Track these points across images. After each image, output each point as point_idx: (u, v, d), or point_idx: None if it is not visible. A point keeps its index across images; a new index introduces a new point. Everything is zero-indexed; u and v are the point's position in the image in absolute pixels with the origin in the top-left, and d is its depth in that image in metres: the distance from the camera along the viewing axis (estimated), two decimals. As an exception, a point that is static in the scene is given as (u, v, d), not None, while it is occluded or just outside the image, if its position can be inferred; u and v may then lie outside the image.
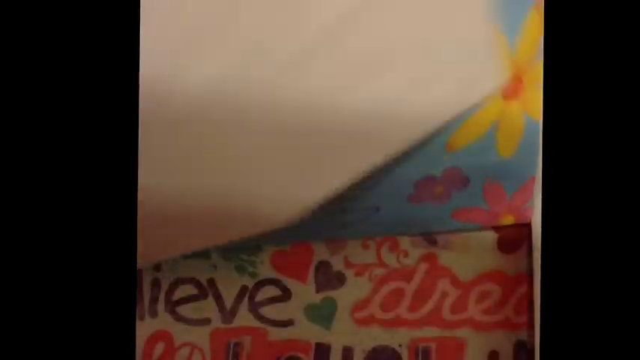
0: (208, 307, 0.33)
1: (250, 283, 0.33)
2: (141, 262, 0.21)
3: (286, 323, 0.33)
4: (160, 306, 0.33)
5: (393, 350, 0.33)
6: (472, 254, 0.33)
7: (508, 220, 0.32)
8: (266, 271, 0.33)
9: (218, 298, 0.33)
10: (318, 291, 0.33)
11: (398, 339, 0.33)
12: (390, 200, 0.31)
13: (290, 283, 0.33)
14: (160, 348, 0.33)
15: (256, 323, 0.33)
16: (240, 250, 0.33)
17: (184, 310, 0.33)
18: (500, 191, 0.31)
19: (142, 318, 0.33)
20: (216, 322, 0.33)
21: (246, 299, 0.33)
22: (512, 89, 0.29)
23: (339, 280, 0.33)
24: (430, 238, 0.33)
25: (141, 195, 0.20)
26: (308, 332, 0.33)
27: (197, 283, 0.33)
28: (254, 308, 0.33)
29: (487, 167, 0.31)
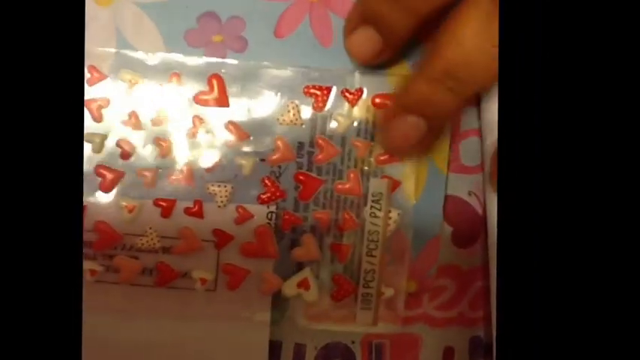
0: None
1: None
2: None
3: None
4: None
5: (346, 347, 0.32)
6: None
7: (411, 286, 0.32)
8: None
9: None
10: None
11: (351, 335, 0.32)
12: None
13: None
14: None
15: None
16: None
17: None
18: (406, 244, 0.31)
19: None
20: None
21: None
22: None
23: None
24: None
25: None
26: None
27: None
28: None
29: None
